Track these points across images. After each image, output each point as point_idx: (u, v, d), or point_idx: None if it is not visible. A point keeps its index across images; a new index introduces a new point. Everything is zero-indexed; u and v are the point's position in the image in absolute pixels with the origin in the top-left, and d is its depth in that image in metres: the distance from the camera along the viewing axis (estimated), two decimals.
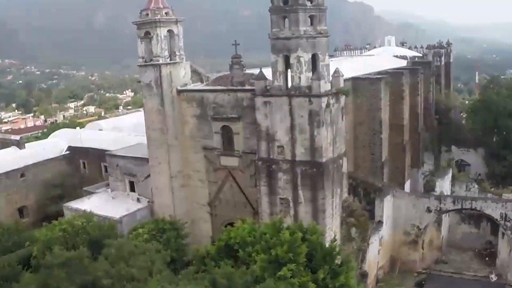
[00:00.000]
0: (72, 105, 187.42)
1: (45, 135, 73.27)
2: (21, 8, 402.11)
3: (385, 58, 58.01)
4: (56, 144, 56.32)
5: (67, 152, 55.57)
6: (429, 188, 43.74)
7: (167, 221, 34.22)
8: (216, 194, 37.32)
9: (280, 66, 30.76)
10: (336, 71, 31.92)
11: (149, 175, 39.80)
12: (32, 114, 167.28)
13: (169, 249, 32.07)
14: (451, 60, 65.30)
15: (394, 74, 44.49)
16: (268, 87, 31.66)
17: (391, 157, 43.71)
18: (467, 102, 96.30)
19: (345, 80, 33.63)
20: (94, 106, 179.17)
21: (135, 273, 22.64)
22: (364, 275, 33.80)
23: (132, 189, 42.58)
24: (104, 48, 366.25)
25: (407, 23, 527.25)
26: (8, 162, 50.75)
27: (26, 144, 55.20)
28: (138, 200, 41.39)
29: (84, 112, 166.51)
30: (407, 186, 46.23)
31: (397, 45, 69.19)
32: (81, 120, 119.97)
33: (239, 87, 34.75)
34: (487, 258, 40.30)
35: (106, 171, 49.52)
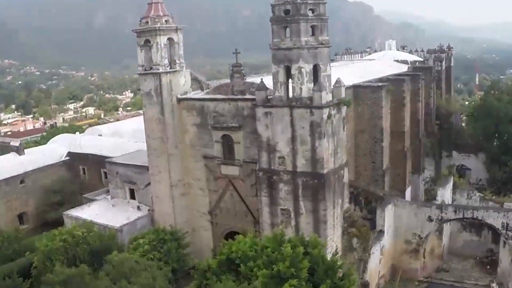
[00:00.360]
0: (71, 106, 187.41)
1: (44, 140, 73.16)
2: (21, 8, 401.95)
3: (386, 63, 57.84)
4: (56, 150, 56.21)
5: (67, 158, 55.49)
6: (430, 197, 43.55)
7: (167, 231, 34.09)
8: (217, 203, 37.20)
9: (281, 77, 30.58)
10: (338, 81, 31.75)
11: (149, 183, 39.67)
12: (31, 116, 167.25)
13: (170, 259, 32.12)
14: (452, 64, 65.15)
15: (395, 81, 44.29)
16: (269, 97, 31.51)
17: (392, 164, 43.57)
18: (467, 103, 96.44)
19: (346, 88, 33.45)
20: (94, 108, 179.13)
21: None
22: (365, 285, 33.63)
23: (132, 196, 42.47)
24: (104, 48, 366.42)
25: (406, 23, 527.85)
26: (8, 169, 50.71)
27: (25, 150, 55.09)
28: (138, 208, 41.26)
29: (84, 114, 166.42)
30: (408, 192, 46.10)
31: (397, 49, 69.02)
32: (80, 123, 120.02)
33: (239, 96, 34.57)
34: (488, 266, 40.16)
35: (106, 177, 49.40)
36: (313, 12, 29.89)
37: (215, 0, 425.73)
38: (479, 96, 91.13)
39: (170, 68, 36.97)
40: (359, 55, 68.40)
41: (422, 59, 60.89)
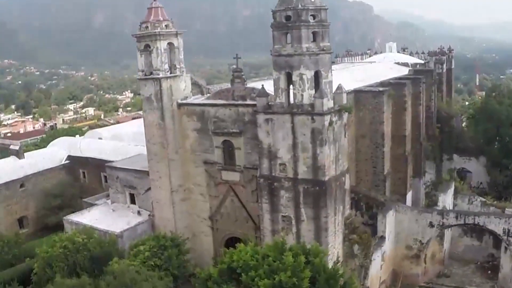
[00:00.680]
0: (71, 106, 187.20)
1: (44, 142, 73.07)
2: (21, 8, 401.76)
3: (386, 65, 57.68)
4: (56, 153, 56.12)
5: (67, 161, 55.41)
6: (431, 201, 43.38)
7: (168, 237, 33.97)
8: (217, 208, 37.06)
9: (282, 83, 30.41)
10: (339, 87, 31.57)
11: (149, 188, 39.53)
12: (31, 116, 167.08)
13: (171, 266, 32.03)
14: (453, 66, 65.02)
15: (396, 85, 44.10)
16: (270, 104, 31.37)
17: (393, 169, 43.40)
18: (467, 103, 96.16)
19: (347, 93, 33.28)
20: (94, 108, 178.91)
21: None
22: None
23: (133, 201, 42.29)
24: (104, 48, 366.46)
25: (406, 22, 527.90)
26: (8, 173, 50.66)
27: (25, 154, 55.03)
28: (138, 213, 41.12)
29: (83, 114, 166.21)
30: (409, 196, 45.97)
31: (398, 51, 68.88)
32: (80, 124, 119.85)
33: (240, 102, 34.40)
34: (489, 272, 40.03)
35: (106, 181, 49.27)
36: (314, 18, 29.69)
37: (215, 0, 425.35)
38: (480, 97, 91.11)
39: (170, 73, 36.75)
40: (360, 57, 68.21)
41: (422, 61, 60.76)
